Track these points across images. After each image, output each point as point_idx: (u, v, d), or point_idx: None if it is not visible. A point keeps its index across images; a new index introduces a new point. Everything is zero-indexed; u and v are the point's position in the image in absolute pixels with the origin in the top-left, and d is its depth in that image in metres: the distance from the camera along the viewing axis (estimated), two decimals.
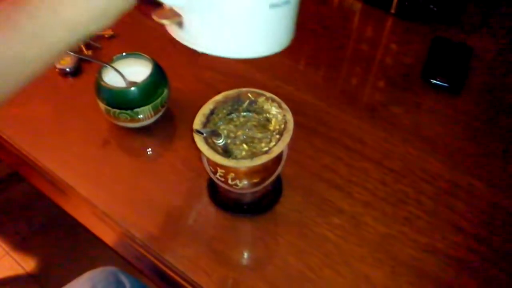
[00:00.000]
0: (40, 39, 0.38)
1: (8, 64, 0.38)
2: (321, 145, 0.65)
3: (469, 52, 0.79)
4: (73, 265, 1.31)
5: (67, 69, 0.75)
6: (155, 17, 0.56)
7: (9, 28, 0.36)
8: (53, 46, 0.39)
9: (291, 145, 0.63)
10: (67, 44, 0.39)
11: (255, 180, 0.51)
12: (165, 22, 0.56)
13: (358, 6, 0.91)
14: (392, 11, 0.87)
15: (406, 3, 0.84)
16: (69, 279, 0.71)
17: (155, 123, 0.66)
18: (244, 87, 0.55)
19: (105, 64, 0.65)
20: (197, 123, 0.51)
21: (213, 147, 0.49)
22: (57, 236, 1.42)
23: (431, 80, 0.74)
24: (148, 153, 0.67)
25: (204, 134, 0.48)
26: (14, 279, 1.34)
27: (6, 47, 0.37)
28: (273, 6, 0.54)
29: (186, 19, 0.56)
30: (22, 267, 1.36)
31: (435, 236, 0.56)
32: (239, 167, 0.48)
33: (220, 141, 0.49)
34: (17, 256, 1.38)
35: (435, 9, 0.84)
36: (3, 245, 1.40)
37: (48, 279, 1.33)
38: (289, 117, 0.51)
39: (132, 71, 0.65)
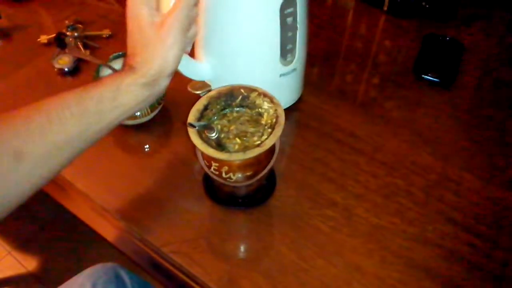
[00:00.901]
0: (102, 119, 0.45)
1: (69, 141, 0.44)
2: (313, 140, 0.66)
3: (461, 48, 0.81)
4: (75, 264, 1.33)
5: (66, 69, 0.76)
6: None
7: (80, 112, 0.44)
8: (109, 125, 0.46)
9: (284, 140, 0.65)
10: (119, 122, 0.47)
11: (248, 173, 0.52)
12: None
13: (351, 4, 0.92)
14: (385, 8, 0.88)
15: (398, 0, 0.86)
16: (70, 278, 0.72)
17: (151, 120, 0.68)
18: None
19: (102, 63, 0.66)
20: (191, 118, 0.52)
21: (206, 141, 0.50)
22: (58, 235, 1.43)
23: (423, 76, 0.75)
24: (145, 149, 0.68)
25: (197, 127, 0.49)
26: (16, 278, 1.36)
27: (74, 127, 0.44)
28: (282, 75, 0.62)
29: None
30: (24, 267, 1.37)
31: (426, 227, 0.57)
32: (233, 160, 0.49)
33: (213, 134, 0.51)
34: (18, 255, 1.40)
35: (427, 6, 0.86)
36: (5, 245, 1.42)
37: (50, 278, 1.34)
38: (281, 111, 0.52)
39: None
